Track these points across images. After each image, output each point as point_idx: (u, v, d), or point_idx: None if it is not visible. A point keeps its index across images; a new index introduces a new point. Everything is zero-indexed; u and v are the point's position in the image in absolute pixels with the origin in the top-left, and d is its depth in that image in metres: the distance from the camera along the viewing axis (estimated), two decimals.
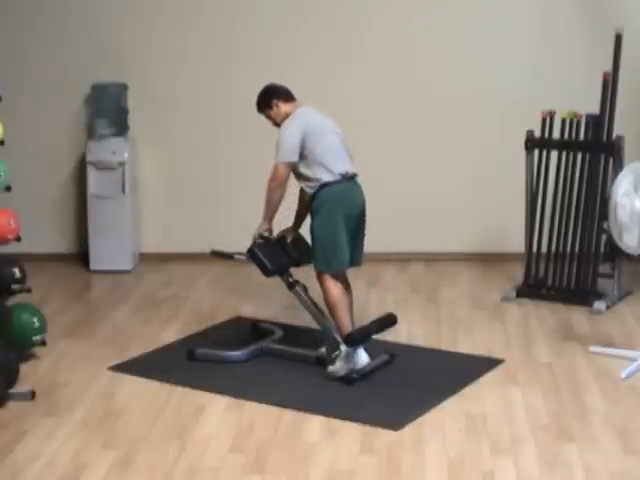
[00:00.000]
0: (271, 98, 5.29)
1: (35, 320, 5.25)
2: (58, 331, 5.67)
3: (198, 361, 5.24)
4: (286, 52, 6.98)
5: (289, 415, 4.61)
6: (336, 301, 5.10)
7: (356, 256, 5.26)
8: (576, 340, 5.54)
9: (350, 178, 5.21)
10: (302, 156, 5.11)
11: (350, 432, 4.44)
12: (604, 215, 5.79)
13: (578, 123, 6.17)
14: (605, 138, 6.14)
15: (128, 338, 5.64)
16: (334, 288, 5.11)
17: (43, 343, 5.27)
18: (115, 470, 4.12)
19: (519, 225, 6.41)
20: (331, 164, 5.12)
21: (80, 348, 5.51)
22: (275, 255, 5.21)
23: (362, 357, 4.97)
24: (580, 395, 4.81)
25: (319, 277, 5.14)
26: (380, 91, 6.97)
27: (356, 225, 5.20)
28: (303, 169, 5.12)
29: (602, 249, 6.16)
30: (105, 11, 6.99)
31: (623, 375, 5.00)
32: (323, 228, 5.10)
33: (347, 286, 5.27)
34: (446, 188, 7.06)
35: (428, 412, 4.62)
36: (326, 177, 5.10)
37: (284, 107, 5.25)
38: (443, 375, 5.08)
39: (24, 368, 5.05)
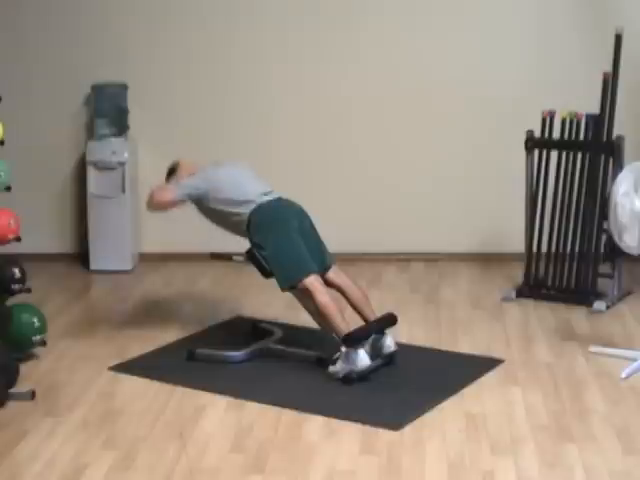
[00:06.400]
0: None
1: (35, 320, 5.25)
2: (58, 331, 5.67)
3: (198, 361, 5.24)
4: (286, 52, 6.98)
5: (289, 415, 4.61)
6: (321, 306, 5.04)
7: (324, 261, 5.26)
8: (576, 340, 5.54)
9: (273, 200, 5.30)
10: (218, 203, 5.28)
11: (350, 432, 4.44)
12: (604, 215, 5.79)
13: (578, 123, 6.17)
14: (605, 138, 6.13)
15: (128, 338, 5.63)
16: (319, 293, 5.07)
17: (43, 343, 5.27)
18: (115, 470, 4.12)
19: (519, 225, 6.41)
20: (249, 198, 5.24)
21: (80, 348, 5.51)
22: None
23: (362, 358, 4.95)
24: (580, 395, 4.81)
25: (300, 292, 5.15)
26: (380, 91, 6.97)
27: (301, 234, 5.20)
28: (228, 210, 5.26)
29: (602, 249, 6.16)
30: (105, 11, 6.98)
31: (623, 375, 5.00)
32: (269, 249, 5.12)
33: (346, 287, 5.27)
34: (446, 188, 7.06)
35: (428, 412, 4.62)
36: (248, 211, 5.21)
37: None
38: (443, 375, 5.08)
39: (24, 368, 5.04)
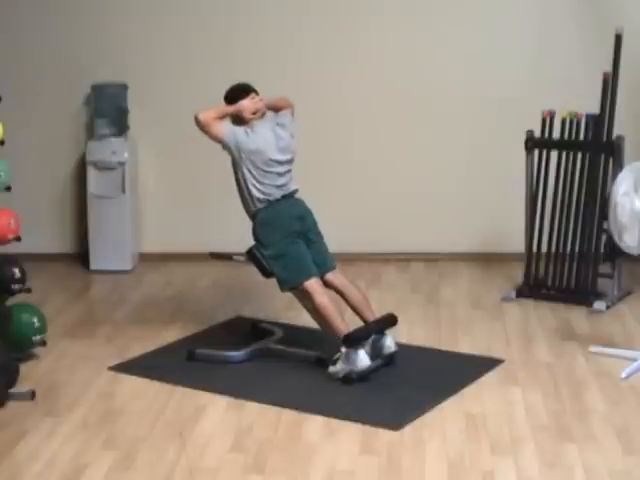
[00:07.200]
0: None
1: (35, 320, 5.25)
2: (58, 331, 5.67)
3: (198, 361, 5.24)
4: (286, 52, 6.98)
5: (289, 415, 4.61)
6: (320, 307, 5.05)
7: (326, 262, 5.25)
8: (576, 340, 5.54)
9: (286, 196, 5.25)
10: (244, 177, 5.17)
11: (350, 432, 4.44)
12: (604, 215, 5.79)
13: (578, 123, 6.17)
14: (605, 138, 6.13)
15: (128, 338, 5.63)
16: (318, 294, 5.07)
17: (43, 343, 5.27)
18: (115, 470, 4.12)
19: (519, 225, 6.41)
20: (265, 192, 5.19)
21: (80, 348, 5.51)
22: None
23: (362, 358, 4.95)
24: (580, 395, 4.81)
25: (300, 293, 5.15)
26: (380, 91, 6.97)
27: (305, 236, 5.21)
28: (248, 191, 5.19)
29: (602, 249, 6.16)
30: (105, 11, 6.99)
31: (623, 375, 5.00)
32: (271, 249, 5.12)
33: (345, 288, 5.27)
34: (446, 188, 7.06)
35: (428, 412, 4.62)
36: (259, 205, 5.18)
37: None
38: (443, 375, 5.08)
39: (24, 368, 5.05)
